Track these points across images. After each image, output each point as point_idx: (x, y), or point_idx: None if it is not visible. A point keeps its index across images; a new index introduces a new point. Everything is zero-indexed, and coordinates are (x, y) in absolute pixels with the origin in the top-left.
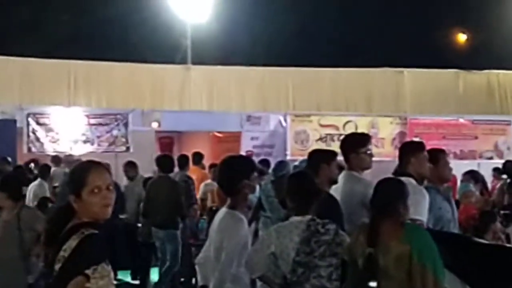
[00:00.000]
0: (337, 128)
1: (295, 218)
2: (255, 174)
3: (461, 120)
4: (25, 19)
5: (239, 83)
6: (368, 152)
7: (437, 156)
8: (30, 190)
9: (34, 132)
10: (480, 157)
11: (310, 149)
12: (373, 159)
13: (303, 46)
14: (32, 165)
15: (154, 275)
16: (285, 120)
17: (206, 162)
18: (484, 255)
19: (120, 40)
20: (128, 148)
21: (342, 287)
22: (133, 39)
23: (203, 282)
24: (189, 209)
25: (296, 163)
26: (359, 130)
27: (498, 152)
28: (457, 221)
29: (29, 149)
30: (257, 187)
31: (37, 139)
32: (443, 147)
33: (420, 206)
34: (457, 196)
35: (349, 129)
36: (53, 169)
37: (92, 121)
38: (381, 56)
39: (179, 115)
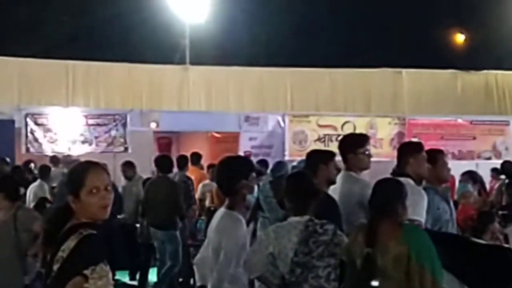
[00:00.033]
0: (335, 128)
1: (293, 219)
2: (253, 174)
3: (459, 121)
4: (23, 19)
5: (237, 84)
6: (367, 152)
7: (436, 156)
8: (30, 191)
9: (32, 132)
10: (478, 157)
11: (308, 150)
12: (372, 159)
13: (301, 47)
14: (32, 165)
15: (152, 275)
16: (284, 121)
17: (205, 162)
18: (482, 255)
19: (119, 40)
20: (126, 149)
21: None
22: (131, 39)
23: (201, 282)
24: (188, 210)
25: (295, 163)
26: (358, 131)
27: (496, 153)
28: (455, 222)
29: (27, 150)
30: (255, 187)
31: (36, 139)
32: (442, 148)
33: (418, 207)
34: (455, 197)
35: (348, 130)
36: (51, 169)
37: (91, 121)
38: (380, 57)
39: (178, 115)
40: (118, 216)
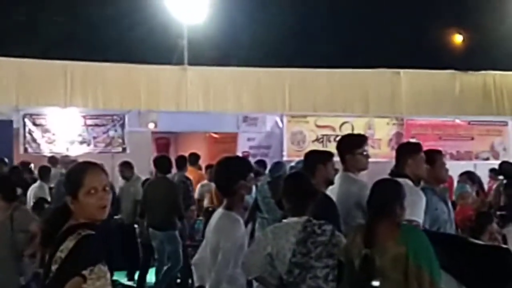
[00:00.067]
0: (333, 129)
1: (291, 219)
2: (252, 175)
3: (458, 121)
4: (21, 19)
5: (235, 84)
6: (365, 153)
7: (434, 157)
8: (31, 192)
9: (30, 133)
10: (477, 158)
11: (306, 150)
12: (370, 160)
13: (299, 47)
14: (32, 165)
15: (150, 275)
16: (282, 121)
17: (203, 163)
18: (481, 256)
19: (117, 41)
20: (124, 149)
21: None
22: (129, 40)
23: (199, 283)
24: (187, 210)
25: (293, 164)
26: (356, 131)
27: (494, 153)
28: (454, 222)
29: (26, 150)
30: (254, 188)
31: (34, 140)
32: (440, 148)
33: (416, 207)
34: (453, 197)
35: (346, 130)
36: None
37: (89, 122)
38: (378, 57)
39: (176, 115)
40: (115, 217)
